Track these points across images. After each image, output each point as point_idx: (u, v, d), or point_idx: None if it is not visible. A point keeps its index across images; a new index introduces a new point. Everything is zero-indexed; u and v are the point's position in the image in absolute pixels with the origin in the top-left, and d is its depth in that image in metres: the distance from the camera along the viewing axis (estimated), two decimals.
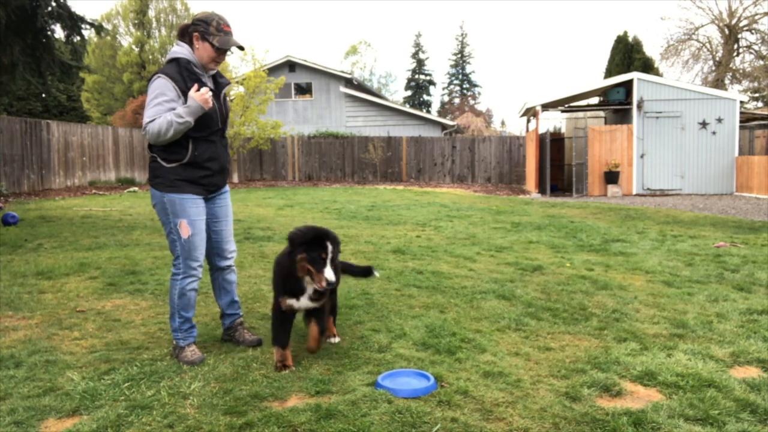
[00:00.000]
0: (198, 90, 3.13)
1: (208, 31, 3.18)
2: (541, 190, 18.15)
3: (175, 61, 3.23)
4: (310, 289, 3.13)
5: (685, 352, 3.39)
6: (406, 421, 2.54)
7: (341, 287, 4.95)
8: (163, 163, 3.25)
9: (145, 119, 3.15)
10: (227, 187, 3.59)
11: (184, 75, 3.19)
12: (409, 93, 58.61)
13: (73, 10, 10.76)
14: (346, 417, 2.57)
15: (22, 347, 3.48)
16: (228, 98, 3.47)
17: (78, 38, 11.26)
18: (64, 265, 5.80)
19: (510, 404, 2.72)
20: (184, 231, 3.24)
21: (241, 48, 3.29)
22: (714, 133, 16.97)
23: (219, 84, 3.39)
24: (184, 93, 3.16)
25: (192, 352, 3.28)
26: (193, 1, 69.17)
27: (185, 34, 3.27)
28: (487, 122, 48.36)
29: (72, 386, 2.91)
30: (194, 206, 3.28)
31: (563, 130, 22.15)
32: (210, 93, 3.10)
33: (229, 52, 3.33)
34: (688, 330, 3.83)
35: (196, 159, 3.25)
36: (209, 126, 3.27)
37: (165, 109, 3.13)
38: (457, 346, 3.44)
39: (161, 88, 3.14)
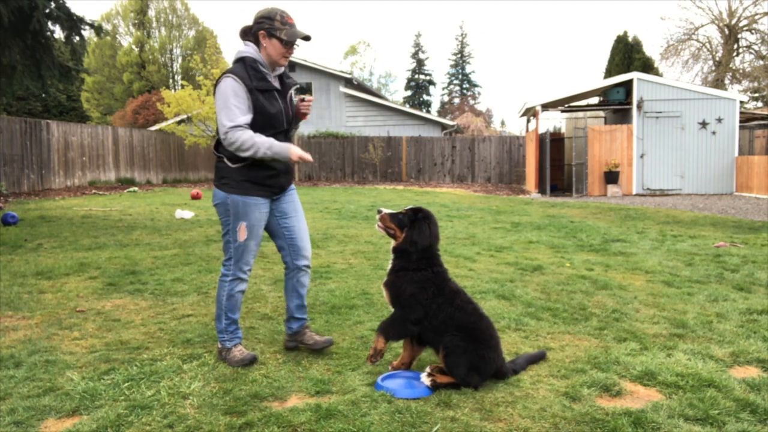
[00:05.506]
0: (296, 152, 3.16)
1: (273, 26, 3.12)
2: (541, 190, 18.15)
3: (241, 60, 3.18)
4: None
5: (684, 352, 3.39)
6: (406, 421, 2.54)
7: (344, 286, 4.95)
8: (229, 164, 3.20)
9: (226, 122, 3.07)
10: (293, 186, 3.52)
11: (250, 74, 3.14)
12: (409, 93, 58.62)
13: (72, 10, 10.75)
14: (346, 417, 2.57)
15: (22, 347, 3.48)
16: (294, 99, 3.41)
17: (77, 39, 11.25)
18: (64, 265, 5.80)
19: (510, 404, 2.72)
20: (241, 234, 3.20)
21: (308, 38, 3.21)
22: (714, 133, 16.97)
23: (285, 84, 3.33)
24: (251, 91, 3.11)
25: (240, 351, 3.26)
26: (193, 1, 69.27)
27: (248, 33, 3.21)
28: (487, 122, 48.35)
29: (72, 386, 2.91)
30: (257, 211, 3.23)
31: (563, 130, 22.15)
32: (308, 155, 3.14)
33: (296, 45, 3.24)
34: (688, 330, 3.83)
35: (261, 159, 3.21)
36: (274, 126, 3.21)
37: (243, 110, 3.09)
38: None
39: (233, 88, 3.08)
